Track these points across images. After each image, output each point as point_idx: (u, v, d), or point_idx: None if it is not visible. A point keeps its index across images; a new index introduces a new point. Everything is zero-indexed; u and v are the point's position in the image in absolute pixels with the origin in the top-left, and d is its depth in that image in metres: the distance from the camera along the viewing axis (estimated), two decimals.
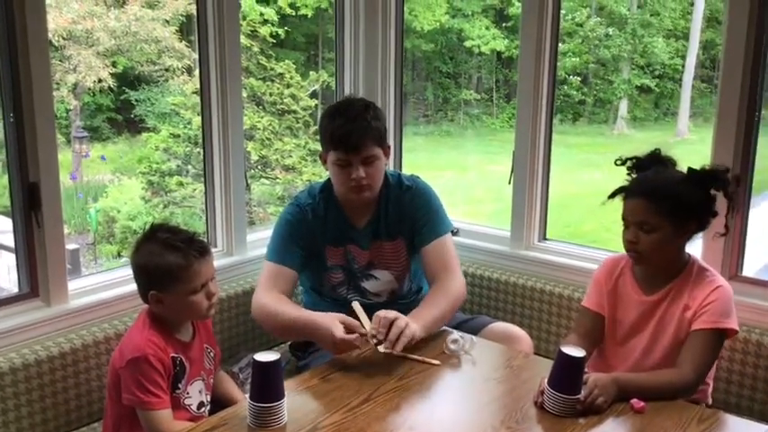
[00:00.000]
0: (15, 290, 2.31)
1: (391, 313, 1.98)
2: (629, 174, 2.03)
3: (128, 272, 2.35)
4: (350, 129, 2.20)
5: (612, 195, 1.99)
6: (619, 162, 2.04)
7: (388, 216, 2.38)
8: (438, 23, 11.88)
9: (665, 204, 1.89)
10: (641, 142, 11.44)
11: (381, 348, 1.95)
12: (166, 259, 1.91)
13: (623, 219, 1.97)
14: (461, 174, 10.78)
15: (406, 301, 2.40)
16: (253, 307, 2.28)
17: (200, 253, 1.95)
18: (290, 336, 2.33)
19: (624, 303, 2.04)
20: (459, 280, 2.32)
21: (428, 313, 2.14)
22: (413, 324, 1.99)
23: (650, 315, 1.99)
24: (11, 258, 5.49)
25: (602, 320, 2.09)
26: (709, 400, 2.06)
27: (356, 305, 2.09)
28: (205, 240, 2.01)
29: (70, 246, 6.85)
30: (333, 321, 2.00)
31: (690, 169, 1.94)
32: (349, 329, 1.98)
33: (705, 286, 1.93)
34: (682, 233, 1.93)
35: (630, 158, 2.03)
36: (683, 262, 1.99)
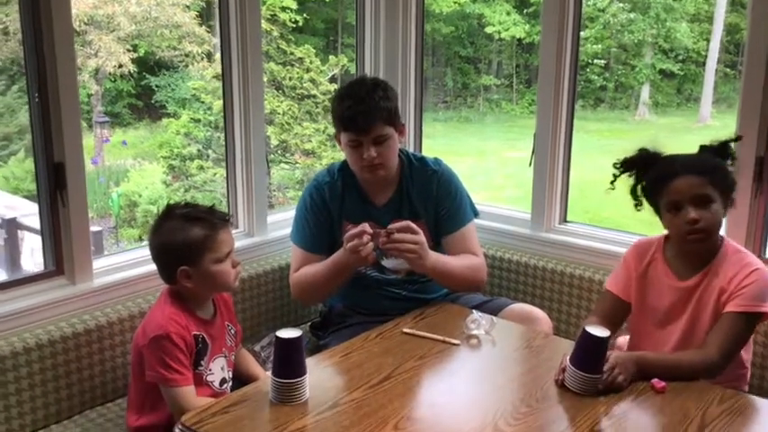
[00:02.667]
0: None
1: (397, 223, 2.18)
2: (616, 177, 2.02)
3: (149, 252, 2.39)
4: (357, 110, 2.23)
5: (652, 183, 1.95)
6: (617, 165, 2.02)
7: (412, 196, 2.39)
8: (457, 5, 11.79)
9: (716, 176, 1.88)
10: (663, 128, 11.32)
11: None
12: (191, 232, 1.94)
13: (672, 203, 1.89)
14: (481, 160, 10.74)
15: (424, 279, 2.41)
16: (292, 290, 2.42)
17: (222, 221, 1.98)
18: (330, 286, 2.36)
19: (656, 289, 2.00)
20: (481, 261, 2.39)
21: (443, 257, 2.30)
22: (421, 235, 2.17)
23: (686, 301, 1.95)
24: (35, 241, 5.58)
25: (624, 305, 2.06)
26: (746, 387, 2.01)
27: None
28: (225, 211, 2.03)
29: (93, 228, 6.92)
30: (348, 249, 2.15)
31: (702, 146, 1.95)
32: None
33: (742, 268, 1.88)
34: (725, 207, 1.91)
35: (622, 162, 2.02)
36: (718, 244, 1.95)
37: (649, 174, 1.97)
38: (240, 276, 2.52)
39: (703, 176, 1.87)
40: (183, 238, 1.94)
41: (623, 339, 2.19)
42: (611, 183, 2.03)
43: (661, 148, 1.99)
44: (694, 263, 1.95)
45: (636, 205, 2.02)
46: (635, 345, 2.08)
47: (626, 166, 2.01)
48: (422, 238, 2.17)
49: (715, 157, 1.94)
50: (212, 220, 1.97)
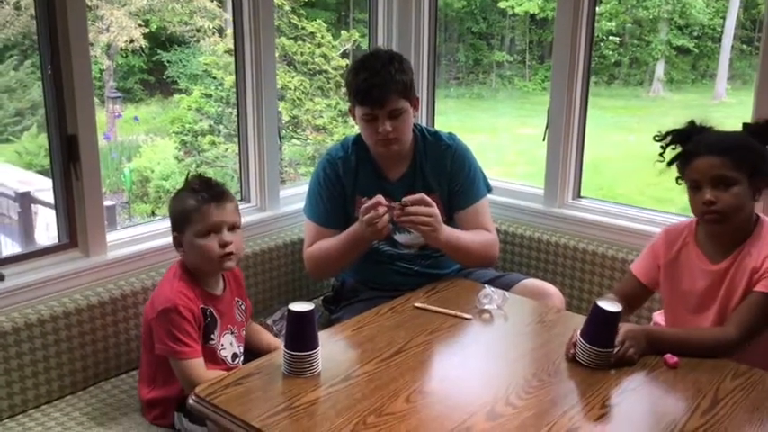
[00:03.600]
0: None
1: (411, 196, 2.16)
2: (665, 148, 1.94)
3: (162, 225, 2.40)
4: (373, 83, 2.21)
5: (674, 160, 1.90)
6: (658, 137, 1.95)
7: (425, 171, 2.38)
8: None
9: (739, 157, 1.80)
10: (677, 105, 11.21)
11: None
12: (185, 201, 2.00)
13: (692, 181, 1.86)
14: (493, 137, 10.69)
15: (437, 254, 2.41)
16: (306, 264, 2.42)
17: (211, 197, 1.98)
18: (344, 260, 2.35)
19: (690, 274, 1.95)
20: (493, 237, 2.39)
21: (457, 231, 2.29)
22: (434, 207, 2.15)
23: (719, 284, 1.90)
24: (49, 216, 5.61)
25: (644, 290, 2.04)
26: None
27: None
28: (226, 189, 2.03)
29: (106, 203, 6.95)
30: (363, 222, 2.13)
31: (745, 124, 1.87)
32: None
33: None
34: (755, 189, 1.83)
35: (669, 132, 1.94)
36: (753, 224, 1.89)
37: (683, 149, 1.92)
38: (252, 251, 2.56)
39: (725, 157, 1.80)
40: (178, 207, 2.02)
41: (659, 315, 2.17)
42: (661, 155, 1.94)
43: (710, 122, 1.91)
44: (726, 245, 1.90)
45: (677, 179, 1.94)
46: None
47: (672, 137, 1.94)
48: (436, 210, 2.16)
49: (751, 137, 1.85)
50: (203, 193, 1.99)
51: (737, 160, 1.80)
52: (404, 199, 2.14)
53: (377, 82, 2.21)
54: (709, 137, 1.88)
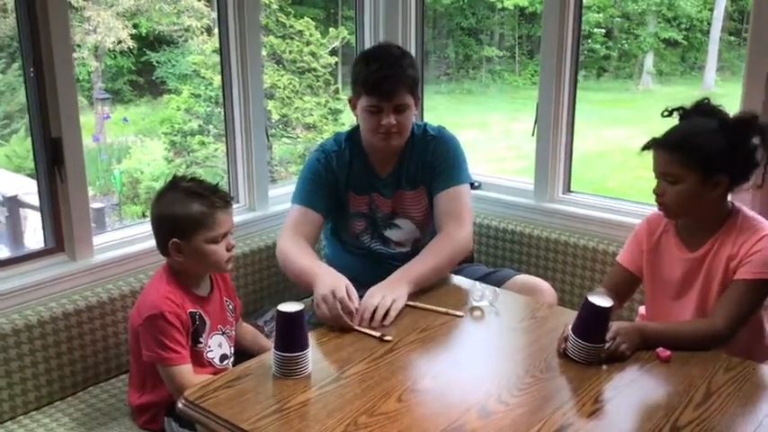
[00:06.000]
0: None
1: (372, 300, 1.96)
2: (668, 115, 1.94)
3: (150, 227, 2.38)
4: (384, 74, 2.16)
5: (645, 148, 1.90)
6: (666, 113, 1.94)
7: (411, 165, 2.36)
8: None
9: (688, 155, 1.81)
10: (666, 97, 11.22)
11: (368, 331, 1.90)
12: (190, 207, 1.92)
13: (654, 171, 1.89)
14: (484, 132, 10.69)
15: None
16: (276, 249, 2.27)
17: (223, 201, 1.96)
18: (299, 285, 2.25)
19: (668, 261, 1.98)
20: (466, 230, 2.26)
21: (421, 267, 2.13)
22: (394, 294, 1.97)
23: (697, 271, 1.92)
24: (37, 219, 5.57)
25: (632, 278, 2.05)
26: None
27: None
28: (228, 192, 2.01)
29: (95, 204, 6.93)
30: (330, 288, 1.93)
31: (723, 118, 1.85)
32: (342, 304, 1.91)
33: (752, 235, 1.84)
34: (712, 186, 1.83)
35: (677, 109, 1.93)
36: (725, 213, 1.90)
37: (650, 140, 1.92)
38: (242, 252, 2.54)
39: (674, 154, 1.82)
40: (180, 212, 1.93)
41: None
42: (666, 114, 1.94)
43: (721, 105, 1.89)
44: (703, 233, 1.91)
45: None
46: (652, 318, 2.05)
47: (679, 111, 1.92)
48: (383, 301, 1.96)
49: (722, 133, 1.82)
50: (213, 199, 1.94)
51: (687, 158, 1.81)
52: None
53: (390, 74, 2.17)
54: (675, 129, 1.88)
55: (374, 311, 1.93)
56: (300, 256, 2.18)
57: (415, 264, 2.15)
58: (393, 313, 1.95)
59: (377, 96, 2.18)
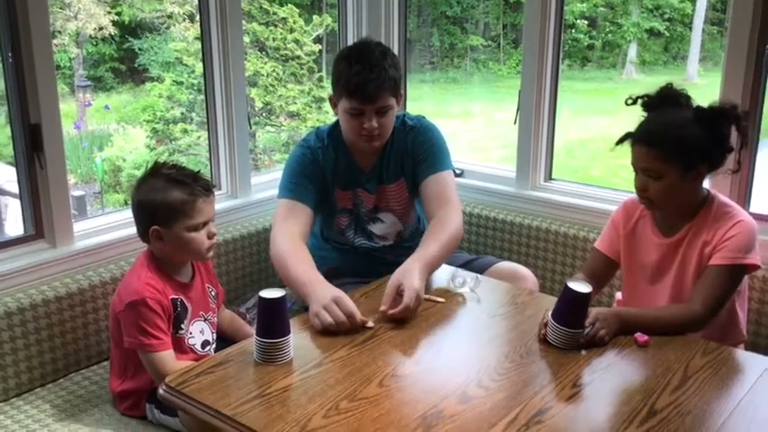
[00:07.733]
0: None
1: (417, 289, 1.90)
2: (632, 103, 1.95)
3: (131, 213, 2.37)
4: (367, 78, 2.11)
5: (619, 142, 1.92)
6: (630, 101, 1.96)
7: (391, 158, 2.35)
8: None
9: (669, 150, 1.82)
10: (650, 87, 11.23)
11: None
12: (171, 194, 1.91)
13: (632, 165, 1.91)
14: (468, 121, 10.70)
15: (412, 245, 2.38)
16: (271, 251, 2.16)
17: (204, 189, 1.95)
18: (288, 285, 2.17)
19: (644, 247, 2.01)
20: (458, 215, 2.22)
21: (429, 252, 2.05)
22: (414, 284, 1.91)
23: (672, 257, 1.95)
24: (18, 207, 5.51)
25: (610, 263, 2.08)
26: (742, 345, 2.01)
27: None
28: (209, 180, 2.00)
29: (77, 192, 6.87)
30: (322, 305, 1.84)
31: (697, 108, 1.87)
32: (343, 308, 1.84)
33: (726, 221, 1.87)
34: (693, 176, 1.86)
35: (641, 96, 1.94)
36: (701, 200, 1.93)
37: (626, 133, 1.93)
38: (223, 239, 2.53)
39: (656, 149, 1.84)
40: (161, 199, 1.92)
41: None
42: (630, 102, 1.95)
43: (685, 91, 1.90)
44: (679, 219, 1.95)
45: None
46: (628, 303, 2.08)
47: (643, 99, 1.93)
48: (408, 292, 1.90)
49: (697, 123, 1.83)
50: (193, 186, 1.94)
51: (668, 153, 1.83)
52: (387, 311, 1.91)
53: (372, 77, 2.11)
54: (651, 123, 1.89)
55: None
56: (296, 262, 2.06)
57: (422, 250, 2.07)
58: (417, 304, 1.90)
59: (359, 100, 2.14)
